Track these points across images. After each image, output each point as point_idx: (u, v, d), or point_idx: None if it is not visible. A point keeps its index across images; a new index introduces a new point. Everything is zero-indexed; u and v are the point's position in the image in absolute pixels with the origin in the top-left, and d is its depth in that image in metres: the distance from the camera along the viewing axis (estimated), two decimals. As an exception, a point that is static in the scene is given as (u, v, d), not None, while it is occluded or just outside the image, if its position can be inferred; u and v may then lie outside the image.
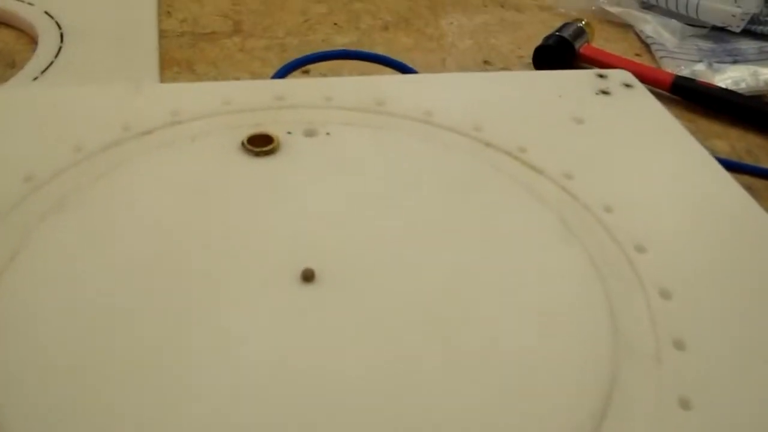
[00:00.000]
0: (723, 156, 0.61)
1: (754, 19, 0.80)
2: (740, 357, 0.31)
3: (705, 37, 0.81)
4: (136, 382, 0.28)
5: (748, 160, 0.62)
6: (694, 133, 0.64)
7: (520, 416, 0.28)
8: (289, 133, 0.42)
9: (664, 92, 0.69)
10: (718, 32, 0.81)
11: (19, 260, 0.33)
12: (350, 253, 0.35)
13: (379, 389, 0.29)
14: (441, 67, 0.73)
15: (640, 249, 0.36)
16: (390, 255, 0.35)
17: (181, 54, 0.72)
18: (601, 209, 0.38)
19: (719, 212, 0.40)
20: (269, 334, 0.31)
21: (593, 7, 0.85)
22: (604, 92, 0.49)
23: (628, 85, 0.51)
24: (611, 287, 0.34)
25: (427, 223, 0.37)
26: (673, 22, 0.81)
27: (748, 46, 0.79)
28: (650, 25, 0.80)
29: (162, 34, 0.74)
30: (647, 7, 0.84)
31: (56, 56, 0.67)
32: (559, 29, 0.75)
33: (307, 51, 0.73)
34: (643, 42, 0.82)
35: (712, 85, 0.69)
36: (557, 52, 0.72)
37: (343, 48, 0.72)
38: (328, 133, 0.42)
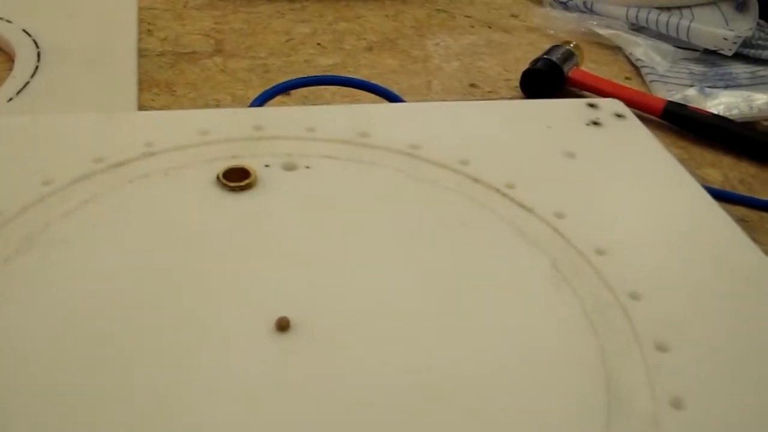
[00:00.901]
0: (716, 186, 0.60)
1: (746, 43, 0.79)
2: (741, 416, 0.29)
3: (696, 60, 0.80)
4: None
5: (741, 190, 0.61)
6: (686, 161, 0.63)
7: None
8: (267, 166, 0.40)
9: (656, 118, 0.67)
10: (710, 56, 0.80)
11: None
12: (329, 299, 0.33)
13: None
14: (426, 90, 0.71)
15: (635, 296, 0.35)
16: (371, 301, 0.33)
17: (161, 75, 0.70)
18: (593, 252, 0.37)
19: (711, 253, 0.38)
20: (240, 385, 0.29)
21: (582, 29, 0.84)
22: (595, 123, 0.48)
23: (619, 115, 0.49)
24: (604, 338, 0.32)
25: (410, 267, 0.36)
26: (664, 45, 0.79)
27: (741, 70, 0.77)
28: (641, 48, 0.79)
29: (142, 53, 0.72)
30: (638, 29, 0.83)
31: (33, 76, 0.66)
32: (548, 52, 0.74)
33: (290, 72, 0.71)
34: (633, 65, 0.81)
35: (705, 111, 0.68)
36: (545, 76, 0.71)
37: (326, 73, 0.70)
38: (308, 167, 0.41)
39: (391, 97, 0.60)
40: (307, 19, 0.85)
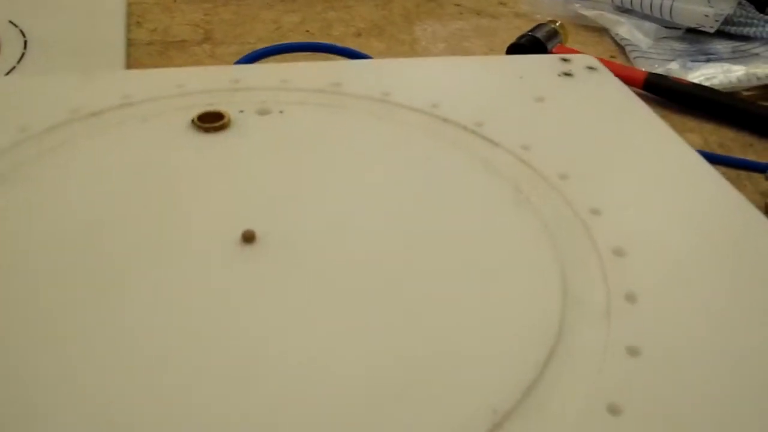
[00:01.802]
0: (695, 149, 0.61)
1: (728, 20, 0.80)
2: (691, 308, 0.30)
3: (679, 39, 0.81)
4: (77, 329, 0.28)
5: (721, 153, 0.61)
6: (665, 127, 0.64)
7: (468, 362, 0.27)
8: (242, 111, 0.41)
9: (638, 90, 0.68)
10: (693, 34, 0.81)
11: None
12: (294, 217, 0.34)
13: (322, 345, 0.28)
14: (412, 68, 0.72)
15: (595, 212, 0.35)
16: (338, 221, 0.34)
17: (149, 60, 0.72)
18: (556, 177, 0.38)
19: (674, 176, 0.39)
20: (208, 292, 0.30)
21: (569, 12, 0.85)
22: (567, 74, 0.49)
23: (591, 68, 0.50)
24: (563, 247, 0.33)
25: (377, 193, 0.37)
26: (648, 24, 0.80)
27: (723, 46, 0.78)
28: (624, 27, 0.80)
29: (130, 43, 0.74)
30: (622, 10, 0.84)
31: (18, 62, 0.66)
32: (532, 30, 0.75)
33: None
34: (618, 45, 0.82)
35: (685, 81, 0.68)
36: (529, 51, 0.71)
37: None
38: (281, 112, 0.42)
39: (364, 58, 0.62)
40: (296, 9, 0.87)
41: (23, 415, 0.24)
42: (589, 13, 0.84)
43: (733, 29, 0.80)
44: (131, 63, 0.70)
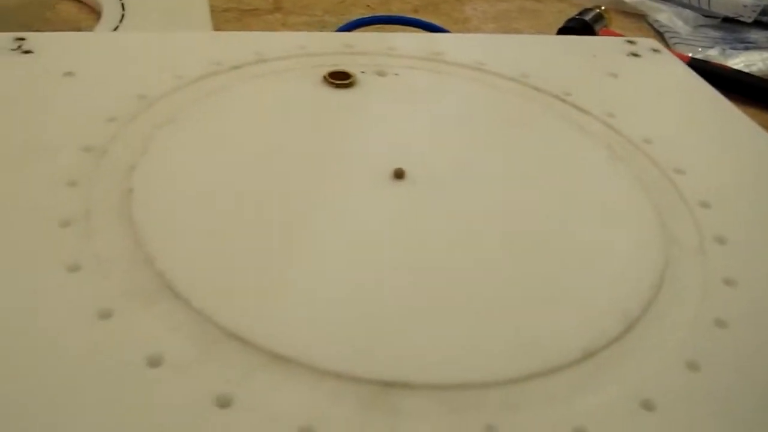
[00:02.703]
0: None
1: (765, 10, 0.85)
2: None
3: (716, 27, 0.86)
4: (263, 250, 0.34)
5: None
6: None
7: (591, 289, 0.33)
8: (363, 72, 0.47)
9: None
10: (730, 23, 0.87)
11: (149, 156, 0.38)
12: (429, 160, 0.40)
13: (460, 266, 0.34)
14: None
15: (679, 171, 0.41)
16: (466, 164, 0.40)
17: (230, 26, 0.77)
18: (641, 141, 0.44)
19: (742, 142, 0.46)
20: (370, 215, 0.36)
21: (609, -1, 0.91)
22: (635, 54, 0.55)
23: (655, 50, 0.56)
24: (657, 198, 0.39)
25: (493, 144, 0.43)
26: (687, 11, 0.86)
27: (759, 35, 0.84)
28: (664, 14, 0.86)
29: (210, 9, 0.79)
30: (661, 0, 0.90)
31: (120, 22, 0.72)
32: (580, 13, 0.81)
33: (345, 28, 0.78)
34: (657, 31, 0.87)
35: (726, 66, 0.74)
36: (579, 33, 0.77)
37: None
38: (396, 74, 0.48)
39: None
40: (355, -14, 0.93)
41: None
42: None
43: (769, 19, 0.86)
44: (215, 27, 0.76)
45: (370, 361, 0.28)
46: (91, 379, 0.26)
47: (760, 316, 0.32)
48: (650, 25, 0.89)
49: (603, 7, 0.82)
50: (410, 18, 0.74)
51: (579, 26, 0.79)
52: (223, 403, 0.26)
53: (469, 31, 0.84)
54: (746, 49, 0.80)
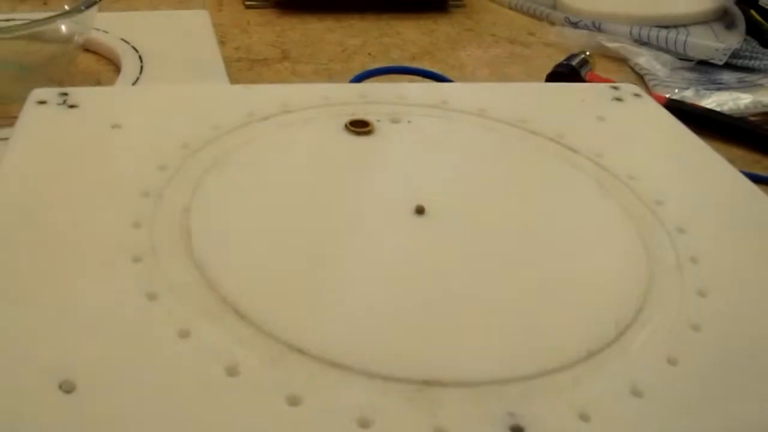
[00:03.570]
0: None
1: (735, 54, 0.93)
2: (744, 266, 0.43)
3: (691, 69, 0.94)
4: (310, 275, 0.40)
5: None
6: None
7: (590, 301, 0.40)
8: (378, 120, 0.54)
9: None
10: (704, 65, 0.94)
11: (199, 198, 0.44)
12: (446, 197, 0.46)
13: (478, 285, 0.41)
14: (469, 88, 0.85)
15: (659, 203, 0.48)
16: (475, 199, 0.47)
17: (243, 76, 0.84)
18: (626, 177, 0.50)
19: (715, 177, 0.52)
20: (399, 244, 0.43)
21: (592, 44, 0.98)
22: (618, 99, 0.62)
23: (637, 95, 0.63)
24: (640, 225, 0.46)
25: (499, 181, 0.49)
26: (664, 55, 0.93)
27: (730, 76, 0.91)
28: (644, 58, 0.93)
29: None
30: (641, 43, 0.97)
31: (140, 73, 0.78)
32: (567, 59, 0.88)
33: (351, 75, 0.85)
34: (637, 74, 0.95)
35: (700, 106, 0.82)
36: (567, 78, 0.84)
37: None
38: (409, 121, 0.54)
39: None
40: (355, 34, 0.99)
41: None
42: (611, 45, 0.97)
43: (739, 62, 0.93)
44: (230, 76, 0.82)
45: (411, 365, 0.34)
46: (183, 388, 0.32)
47: (727, 320, 0.39)
48: (631, 68, 0.96)
49: (588, 53, 0.89)
50: (415, 68, 0.81)
51: (567, 71, 0.86)
52: (293, 402, 0.32)
53: (465, 75, 0.91)
54: (718, 89, 0.88)
